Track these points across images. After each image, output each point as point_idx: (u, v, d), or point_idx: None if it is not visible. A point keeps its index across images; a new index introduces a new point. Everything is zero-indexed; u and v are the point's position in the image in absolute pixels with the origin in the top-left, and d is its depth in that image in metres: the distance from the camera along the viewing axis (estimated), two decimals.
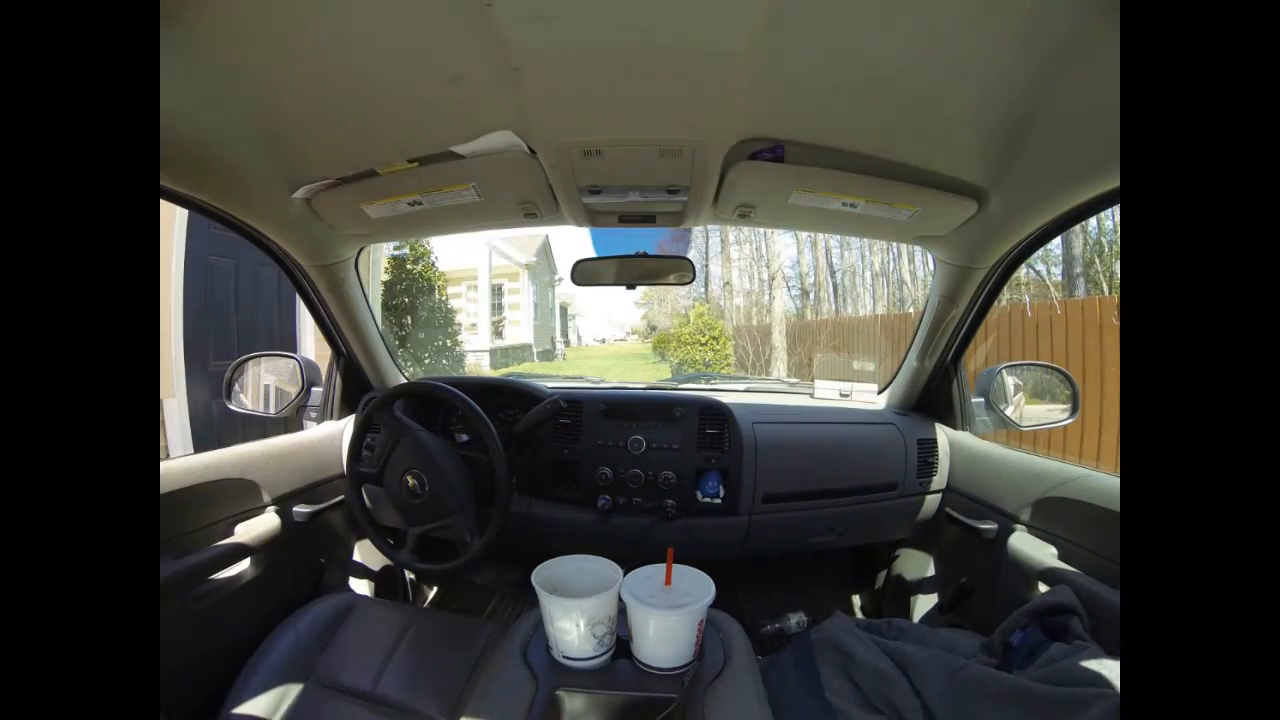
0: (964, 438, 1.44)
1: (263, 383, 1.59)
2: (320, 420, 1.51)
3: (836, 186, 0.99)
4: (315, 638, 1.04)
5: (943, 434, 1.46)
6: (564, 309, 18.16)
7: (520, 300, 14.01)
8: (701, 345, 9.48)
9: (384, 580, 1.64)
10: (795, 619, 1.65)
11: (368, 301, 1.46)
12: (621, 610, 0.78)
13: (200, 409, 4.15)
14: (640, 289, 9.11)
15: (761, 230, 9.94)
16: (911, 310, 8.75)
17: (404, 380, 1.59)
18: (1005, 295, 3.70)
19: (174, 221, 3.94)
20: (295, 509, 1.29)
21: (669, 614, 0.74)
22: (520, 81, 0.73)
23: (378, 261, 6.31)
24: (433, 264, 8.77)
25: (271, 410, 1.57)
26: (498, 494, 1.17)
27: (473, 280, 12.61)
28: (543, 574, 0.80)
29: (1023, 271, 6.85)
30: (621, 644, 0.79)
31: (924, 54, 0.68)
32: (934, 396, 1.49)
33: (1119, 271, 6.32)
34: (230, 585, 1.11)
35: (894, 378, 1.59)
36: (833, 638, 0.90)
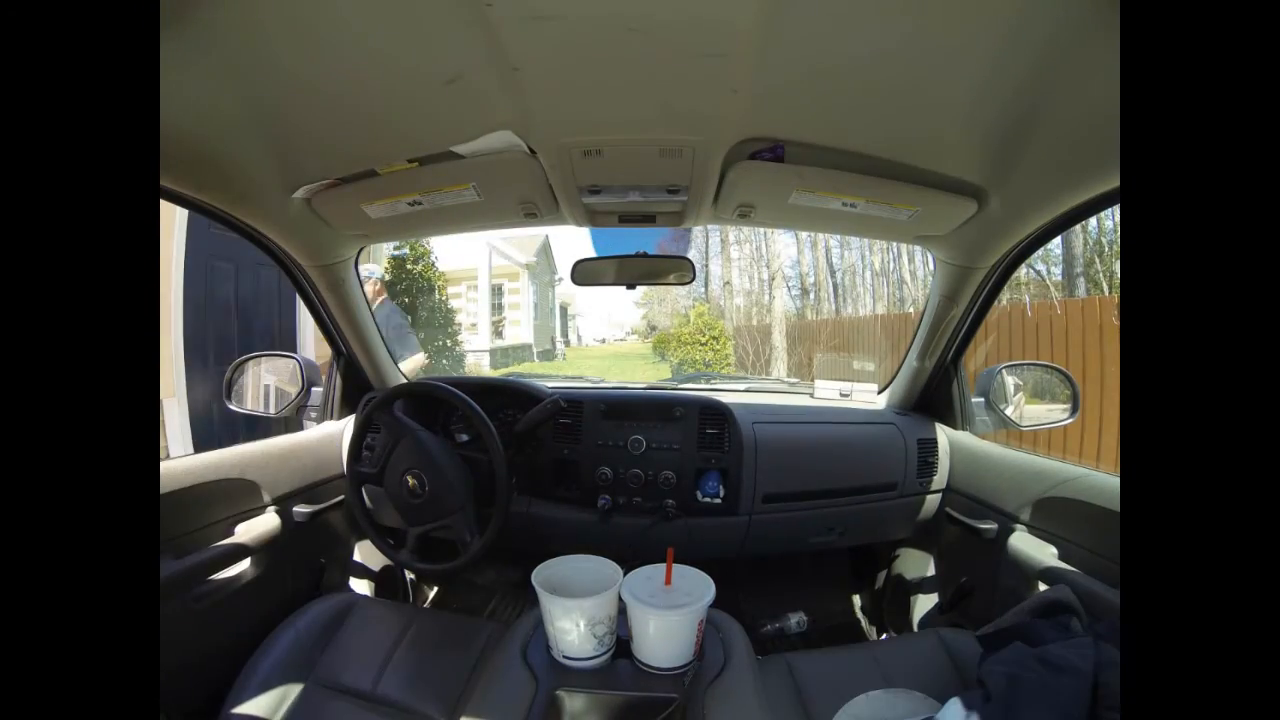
0: (964, 437, 1.44)
1: (263, 383, 1.60)
2: (320, 420, 1.51)
3: (836, 186, 0.99)
4: (315, 638, 1.04)
5: (943, 434, 1.46)
6: (564, 309, 18.16)
7: (520, 300, 14.01)
8: (701, 345, 9.48)
9: (384, 580, 1.64)
10: (795, 619, 1.66)
11: (368, 301, 1.46)
12: (621, 610, 0.78)
13: (200, 409, 4.15)
14: (640, 289, 9.12)
15: (761, 230, 9.94)
16: (911, 310, 8.75)
17: (404, 380, 1.59)
18: (1005, 295, 3.70)
19: (174, 222, 3.94)
20: (295, 509, 1.29)
21: (669, 614, 0.74)
22: (520, 81, 0.73)
23: (378, 261, 6.31)
24: (433, 264, 8.77)
25: (271, 410, 1.57)
26: (498, 494, 1.17)
27: (473, 280, 12.61)
28: (543, 574, 0.80)
29: (1023, 271, 6.85)
30: (621, 644, 0.79)
31: (924, 53, 0.68)
32: (934, 396, 1.49)
33: (1119, 271, 6.32)
34: (230, 585, 1.11)
35: (894, 377, 1.59)
36: None
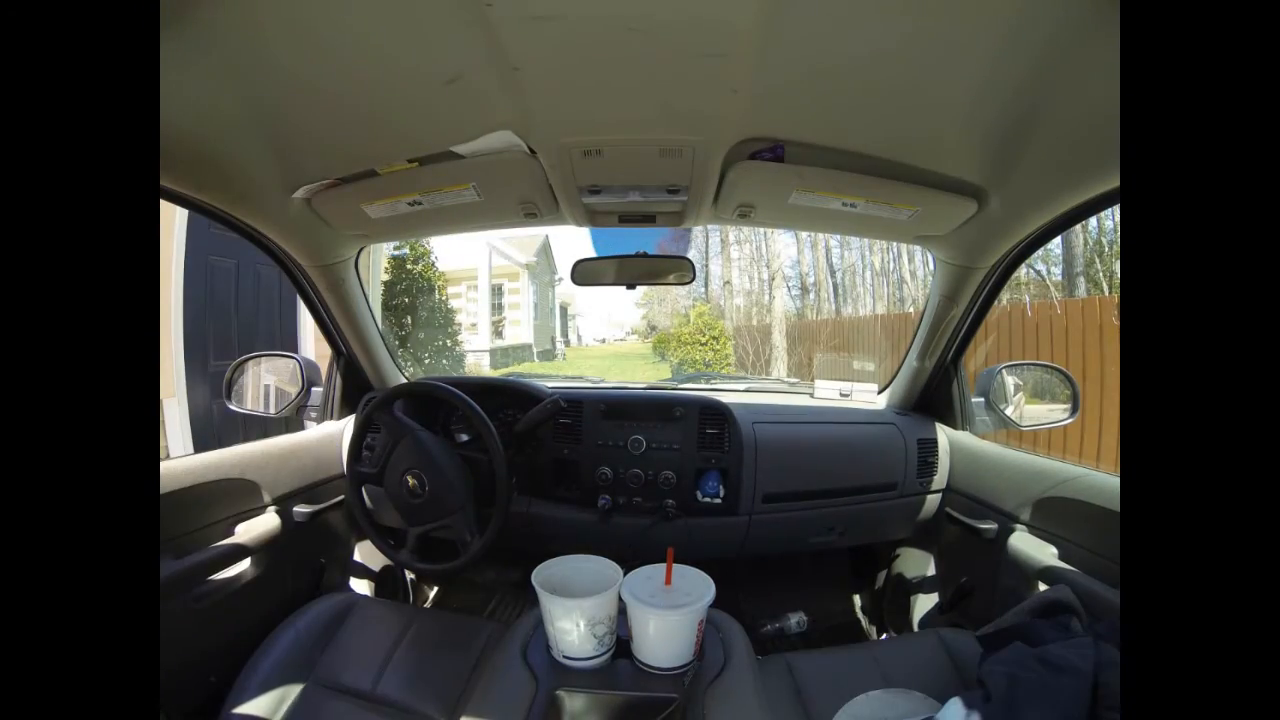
0: (964, 437, 1.44)
1: (263, 383, 1.59)
2: (320, 420, 1.51)
3: (836, 186, 0.99)
4: (315, 638, 1.04)
5: (943, 434, 1.46)
6: (564, 309, 18.16)
7: (520, 300, 14.01)
8: (701, 345, 9.48)
9: (384, 580, 1.64)
10: (795, 619, 1.66)
11: (368, 301, 1.46)
12: (621, 610, 0.78)
13: (200, 409, 4.16)
14: (640, 289, 9.11)
15: (761, 230, 9.94)
16: (911, 310, 8.75)
17: (404, 380, 1.59)
18: (1005, 295, 3.70)
19: (174, 221, 3.94)
20: (295, 509, 1.29)
21: (669, 614, 0.74)
22: (520, 81, 0.73)
23: (378, 261, 6.31)
24: (433, 264, 8.77)
25: (271, 410, 1.57)
26: (498, 494, 1.17)
27: (473, 280, 12.61)
28: (543, 574, 0.80)
29: (1023, 271, 6.85)
30: (621, 644, 0.79)
31: (924, 53, 0.68)
32: (934, 396, 1.49)
33: (1119, 271, 6.32)
34: (230, 585, 1.11)
35: (894, 377, 1.59)
36: None
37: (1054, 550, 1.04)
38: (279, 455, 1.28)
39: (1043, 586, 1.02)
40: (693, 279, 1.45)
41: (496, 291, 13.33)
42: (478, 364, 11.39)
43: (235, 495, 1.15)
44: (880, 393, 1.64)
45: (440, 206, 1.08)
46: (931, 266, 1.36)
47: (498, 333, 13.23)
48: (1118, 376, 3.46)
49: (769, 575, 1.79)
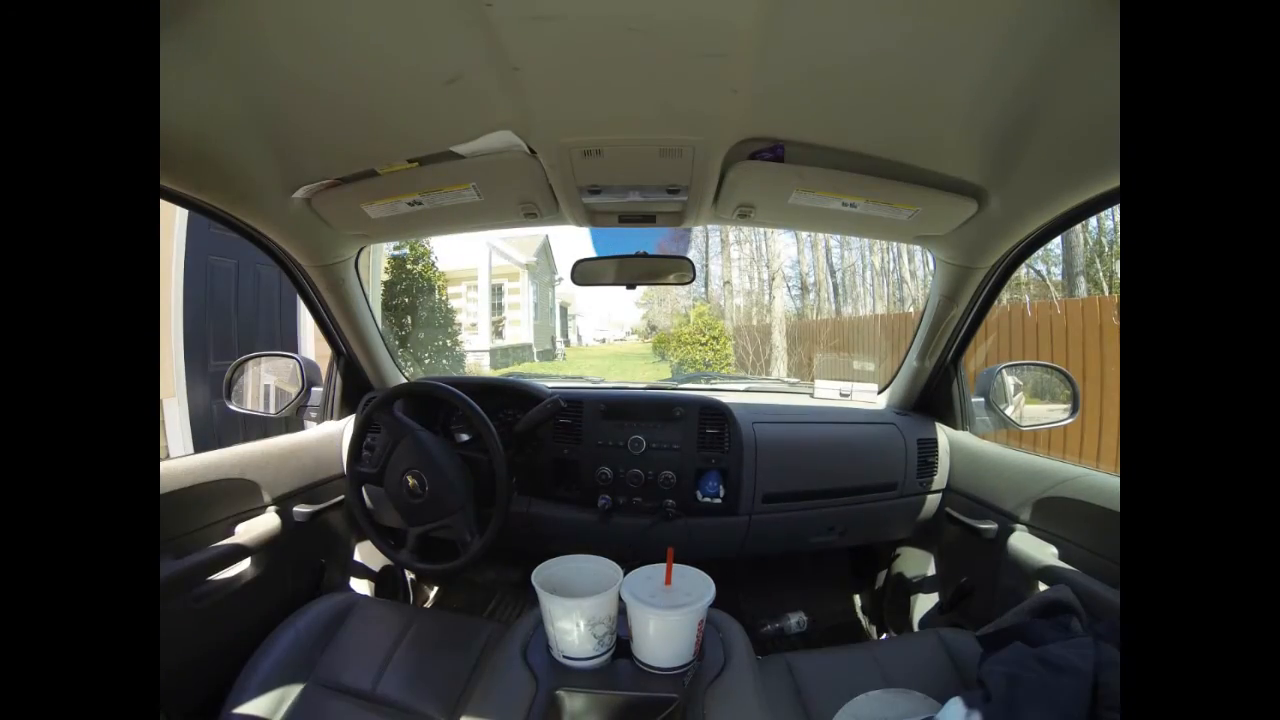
0: (964, 437, 1.44)
1: (263, 383, 1.59)
2: (320, 420, 1.51)
3: (836, 186, 0.99)
4: (315, 638, 1.04)
5: (943, 434, 1.46)
6: (564, 309, 18.16)
7: (520, 300, 14.01)
8: (701, 345, 9.48)
9: (384, 580, 1.64)
10: (795, 619, 1.66)
11: (368, 301, 1.46)
12: (621, 610, 0.78)
13: (200, 409, 4.16)
14: (640, 289, 9.12)
15: (761, 230, 9.94)
16: (911, 310, 8.75)
17: (404, 380, 1.59)
18: (1005, 295, 3.70)
19: (174, 221, 3.94)
20: (295, 509, 1.29)
21: (669, 614, 0.74)
22: (520, 81, 0.73)
23: (378, 261, 6.32)
24: (433, 264, 8.77)
25: (271, 410, 1.57)
26: (498, 494, 1.17)
27: (473, 280, 12.61)
28: (543, 574, 0.80)
29: (1023, 271, 6.85)
30: (621, 644, 0.79)
31: (924, 53, 0.68)
32: (934, 396, 1.49)
33: (1119, 271, 6.32)
34: (231, 585, 1.11)
35: (894, 377, 1.59)
36: None
37: (1054, 550, 1.04)
38: (279, 455, 1.28)
39: (1043, 586, 1.02)
40: (693, 279, 1.45)
41: (496, 291, 13.33)
42: (478, 364, 11.39)
43: (235, 495, 1.15)
44: (880, 393, 1.64)
45: (440, 206, 1.08)
46: (931, 266, 1.36)
47: (498, 333, 13.23)
48: (1118, 376, 3.46)
49: (769, 575, 1.79)
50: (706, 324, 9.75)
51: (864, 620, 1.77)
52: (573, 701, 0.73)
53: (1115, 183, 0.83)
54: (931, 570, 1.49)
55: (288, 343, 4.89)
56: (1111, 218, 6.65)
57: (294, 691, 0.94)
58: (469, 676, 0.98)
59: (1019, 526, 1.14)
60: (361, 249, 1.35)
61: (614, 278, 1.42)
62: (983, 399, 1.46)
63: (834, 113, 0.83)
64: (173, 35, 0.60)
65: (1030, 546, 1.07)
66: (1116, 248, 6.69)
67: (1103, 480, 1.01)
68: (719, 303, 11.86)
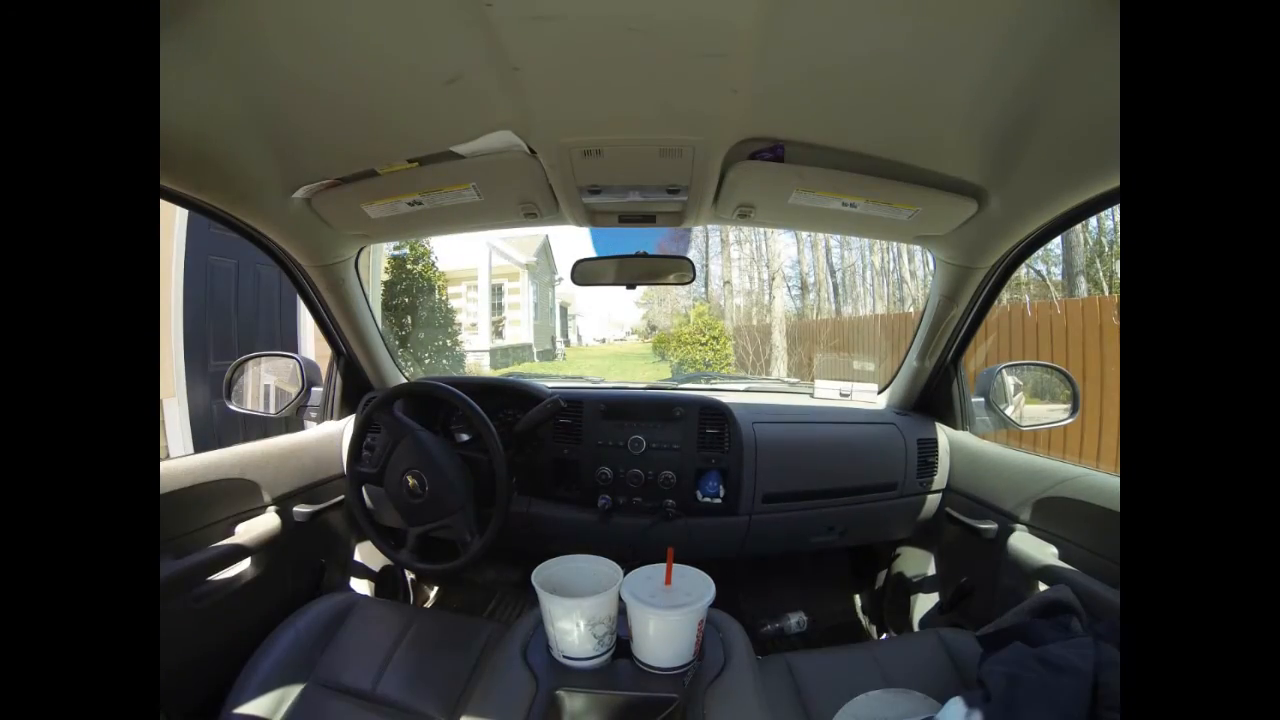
0: (964, 437, 1.44)
1: (263, 383, 1.59)
2: (320, 420, 1.51)
3: (836, 186, 0.99)
4: (315, 638, 1.04)
5: (943, 434, 1.46)
6: (564, 309, 18.15)
7: (520, 300, 14.01)
8: (701, 345, 9.48)
9: (384, 580, 1.64)
10: (795, 619, 1.66)
11: (368, 301, 1.46)
12: (621, 610, 0.78)
13: (200, 409, 4.16)
14: (640, 289, 9.11)
15: (761, 230, 9.94)
16: (911, 309, 8.75)
17: (404, 380, 1.59)
18: (1005, 295, 3.70)
19: (174, 221, 3.94)
20: (295, 509, 1.29)
21: (669, 614, 0.74)
22: (520, 81, 0.73)
23: (378, 261, 6.32)
24: (433, 264, 8.77)
25: (271, 410, 1.57)
26: (498, 494, 1.17)
27: (473, 280, 12.61)
28: (543, 574, 0.80)
29: (1023, 271, 6.85)
30: (622, 644, 0.79)
31: (924, 53, 0.68)
32: (934, 396, 1.49)
33: (1119, 271, 6.32)
34: (231, 585, 1.11)
35: (894, 377, 1.59)
36: None
37: (1054, 550, 1.04)
38: (279, 455, 1.28)
39: (1043, 586, 1.02)
40: (693, 279, 1.45)
41: (496, 291, 13.33)
42: (478, 364, 11.39)
43: (235, 495, 1.15)
44: (880, 393, 1.64)
45: (440, 206, 1.08)
46: (931, 266, 1.36)
47: (498, 333, 13.23)
48: (1118, 376, 3.46)
49: (769, 575, 1.79)
50: (706, 324, 9.75)
51: (864, 620, 1.77)
52: (573, 701, 0.73)
53: (1115, 183, 0.83)
54: (931, 570, 1.49)
55: (288, 343, 4.89)
56: (1111, 218, 6.65)
57: (294, 691, 0.94)
58: (469, 676, 0.98)
59: (1019, 526, 1.14)
60: (361, 249, 1.35)
61: (614, 278, 1.42)
62: (983, 399, 1.46)
63: (834, 113, 0.83)
64: (173, 35, 0.60)
65: (1030, 546, 1.07)
66: (1116, 248, 6.69)
67: (1103, 480, 1.01)
68: (719, 303, 11.87)
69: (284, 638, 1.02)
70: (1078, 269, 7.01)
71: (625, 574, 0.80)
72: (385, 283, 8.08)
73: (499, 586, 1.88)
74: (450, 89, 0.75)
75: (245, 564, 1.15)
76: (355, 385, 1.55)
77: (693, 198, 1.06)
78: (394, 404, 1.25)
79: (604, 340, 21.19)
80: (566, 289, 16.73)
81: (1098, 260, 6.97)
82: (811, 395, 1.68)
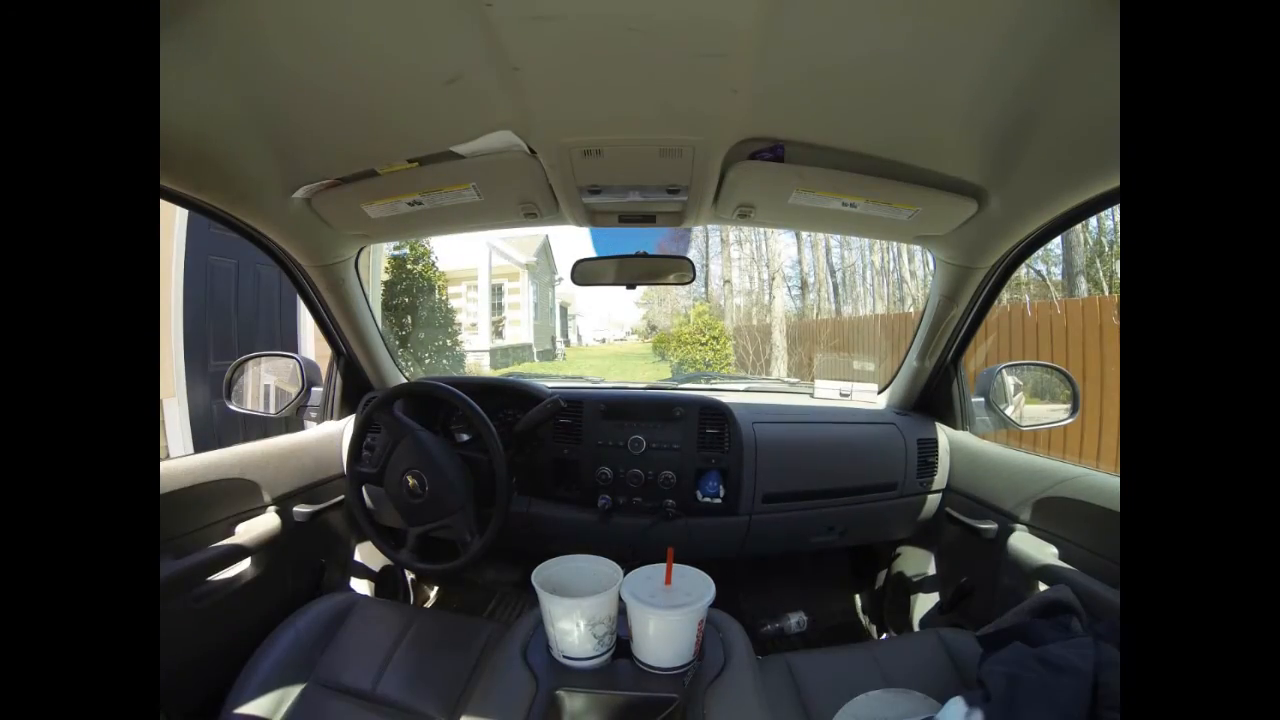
0: (964, 437, 1.44)
1: (263, 383, 1.59)
2: (320, 420, 1.51)
3: (836, 186, 0.99)
4: (315, 638, 1.04)
5: (943, 434, 1.46)
6: (564, 309, 18.16)
7: (520, 300, 14.01)
8: (701, 345, 9.48)
9: (384, 580, 1.64)
10: (795, 619, 1.66)
11: (368, 301, 1.46)
12: (621, 610, 0.78)
13: (200, 409, 4.16)
14: (640, 289, 9.11)
15: (761, 230, 9.94)
16: (911, 309, 8.75)
17: (404, 380, 1.59)
18: (1005, 295, 3.70)
19: (174, 221, 3.94)
20: (295, 509, 1.29)
21: (669, 614, 0.74)
22: (520, 81, 0.73)
23: (378, 261, 6.32)
24: (433, 264, 8.77)
25: (271, 410, 1.57)
26: (498, 494, 1.17)
27: (473, 280, 12.61)
28: (543, 574, 0.80)
29: (1023, 271, 6.85)
30: (622, 644, 0.79)
31: (924, 54, 0.68)
32: (934, 396, 1.49)
33: (1119, 271, 6.32)
34: (231, 585, 1.11)
35: (894, 377, 1.59)
36: None
37: (1054, 550, 1.04)
38: (279, 455, 1.28)
39: (1043, 586, 1.02)
40: (693, 279, 1.45)
41: (496, 291, 13.33)
42: (478, 364, 11.39)
43: (235, 495, 1.15)
44: (880, 393, 1.64)
45: (440, 206, 1.08)
46: (931, 266, 1.36)
47: (498, 333, 13.23)
48: (1118, 376, 3.46)
49: (769, 575, 1.79)
50: (706, 324, 9.75)
51: (864, 620, 1.77)
52: (573, 701, 0.73)
53: (1115, 183, 0.83)
54: (931, 570, 1.49)
55: (288, 343, 4.89)
56: (1111, 218, 6.64)
57: (294, 691, 0.94)
58: (469, 676, 0.98)
59: (1019, 526, 1.14)
60: (361, 249, 1.35)
61: (614, 278, 1.42)
62: (983, 399, 1.46)
63: (834, 113, 0.83)
64: (173, 35, 0.60)
65: (1030, 546, 1.07)
66: (1116, 248, 6.69)
67: (1103, 480, 1.01)
68: (719, 302, 11.86)
69: (284, 638, 1.02)
70: (1078, 269, 7.01)
71: (625, 574, 0.80)
72: (385, 283, 8.08)
73: (499, 586, 1.88)
74: (450, 89, 0.75)
75: (245, 564, 1.15)
76: (355, 385, 1.55)
77: (693, 198, 1.06)
78: (394, 404, 1.25)
79: (604, 340, 21.19)
80: (566, 289, 16.74)
81: (1098, 260, 6.96)
82: (811, 395, 1.68)
